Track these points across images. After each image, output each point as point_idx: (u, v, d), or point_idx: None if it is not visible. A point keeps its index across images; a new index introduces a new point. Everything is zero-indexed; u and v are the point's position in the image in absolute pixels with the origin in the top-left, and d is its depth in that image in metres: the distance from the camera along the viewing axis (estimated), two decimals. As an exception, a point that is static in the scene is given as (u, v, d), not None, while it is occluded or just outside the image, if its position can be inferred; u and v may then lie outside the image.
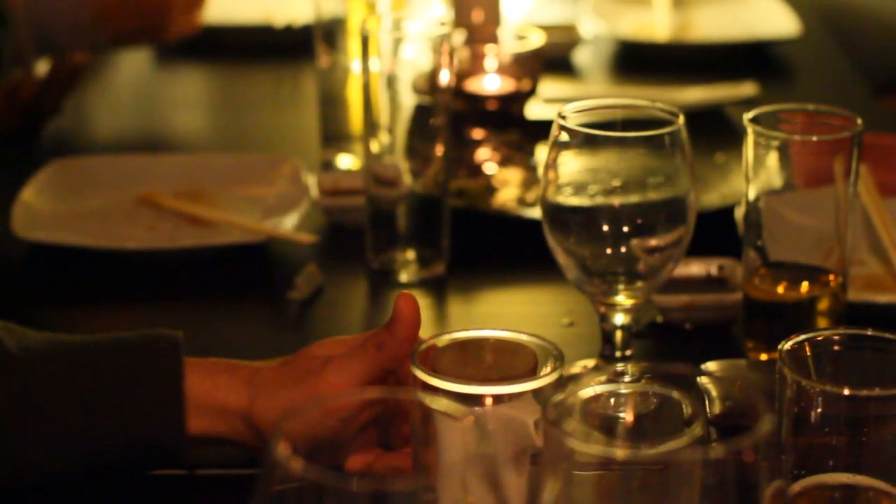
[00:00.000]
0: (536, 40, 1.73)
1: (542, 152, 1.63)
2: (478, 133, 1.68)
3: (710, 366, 1.19)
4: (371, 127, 1.41)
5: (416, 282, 1.42)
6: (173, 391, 1.05)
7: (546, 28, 1.84)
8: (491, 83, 1.70)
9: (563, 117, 1.15)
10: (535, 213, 1.47)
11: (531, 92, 1.73)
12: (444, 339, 0.96)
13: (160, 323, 1.11)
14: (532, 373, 0.93)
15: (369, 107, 1.41)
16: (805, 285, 1.20)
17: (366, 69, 1.39)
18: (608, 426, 0.85)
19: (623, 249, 1.14)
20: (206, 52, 2.10)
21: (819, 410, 0.88)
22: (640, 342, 1.28)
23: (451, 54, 1.38)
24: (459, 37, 1.69)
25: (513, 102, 1.71)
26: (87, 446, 1.05)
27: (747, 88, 1.86)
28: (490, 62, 1.70)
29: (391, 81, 1.39)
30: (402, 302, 1.05)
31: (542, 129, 1.41)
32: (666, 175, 1.14)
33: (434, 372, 0.92)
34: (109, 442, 1.06)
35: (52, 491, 1.07)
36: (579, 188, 1.15)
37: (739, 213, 1.22)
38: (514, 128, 1.70)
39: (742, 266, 1.24)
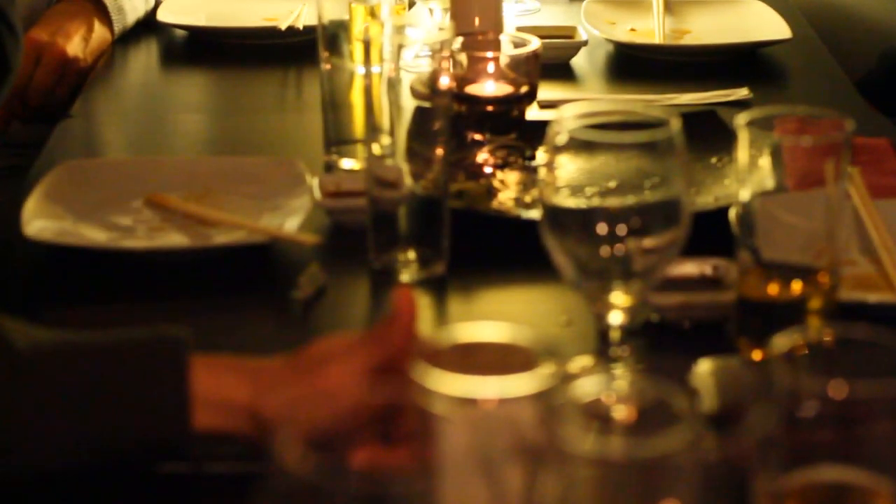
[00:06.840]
0: (535, 45, 1.74)
1: (540, 154, 1.63)
2: (477, 136, 1.68)
3: (704, 364, 1.20)
4: (373, 130, 1.41)
5: (417, 281, 1.43)
6: (179, 387, 1.06)
7: (544, 33, 1.85)
8: (490, 87, 1.71)
9: (561, 120, 1.16)
10: (534, 214, 1.48)
11: (530, 95, 1.74)
12: (444, 337, 0.96)
13: (165, 322, 1.12)
14: (530, 372, 0.93)
15: (371, 110, 1.42)
16: (797, 285, 1.20)
17: (368, 73, 1.41)
18: (605, 424, 0.86)
19: (619, 250, 1.14)
20: (211, 56, 2.11)
21: (811, 407, 0.88)
22: (636, 341, 1.28)
23: (450, 59, 1.39)
24: (459, 42, 1.70)
25: (512, 106, 1.72)
26: (93, 442, 1.06)
27: (740, 92, 1.88)
28: (490, 66, 1.70)
29: (392, 85, 1.40)
30: (400, 297, 1.07)
31: (540, 132, 1.42)
32: (661, 177, 1.13)
33: (434, 371, 0.91)
34: (116, 438, 1.07)
35: (56, 488, 1.08)
36: (576, 190, 1.15)
37: (733, 213, 1.23)
38: (512, 131, 1.70)
39: (736, 266, 1.24)
